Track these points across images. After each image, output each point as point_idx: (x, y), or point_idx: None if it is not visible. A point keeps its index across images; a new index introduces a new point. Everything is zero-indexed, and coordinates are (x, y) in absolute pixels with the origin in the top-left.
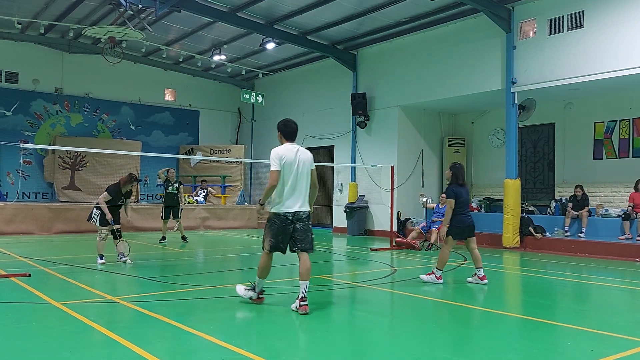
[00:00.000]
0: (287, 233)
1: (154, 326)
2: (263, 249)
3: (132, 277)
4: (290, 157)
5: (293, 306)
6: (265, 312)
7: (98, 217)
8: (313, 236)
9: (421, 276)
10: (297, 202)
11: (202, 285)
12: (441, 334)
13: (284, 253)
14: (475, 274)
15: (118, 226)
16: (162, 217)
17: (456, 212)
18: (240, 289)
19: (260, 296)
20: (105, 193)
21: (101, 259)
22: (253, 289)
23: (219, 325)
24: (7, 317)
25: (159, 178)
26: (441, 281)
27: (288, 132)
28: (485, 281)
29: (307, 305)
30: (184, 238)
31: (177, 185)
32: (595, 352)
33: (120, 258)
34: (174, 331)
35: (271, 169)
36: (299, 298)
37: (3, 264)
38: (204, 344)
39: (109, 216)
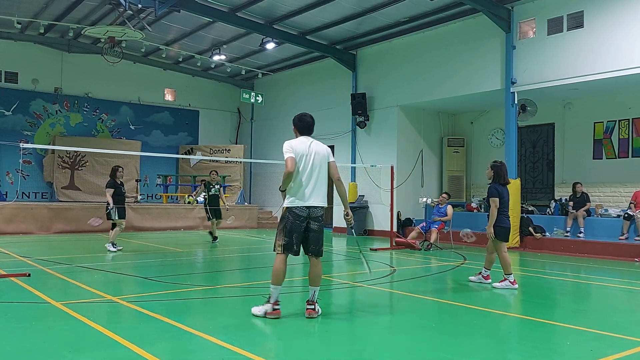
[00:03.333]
0: (301, 232)
1: (154, 326)
2: (274, 250)
3: (132, 277)
4: (302, 149)
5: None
6: None
7: (116, 212)
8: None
9: (494, 284)
10: (310, 196)
11: (202, 285)
12: (441, 334)
13: (297, 254)
14: (480, 273)
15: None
16: (208, 218)
17: (498, 211)
18: (255, 309)
19: (276, 307)
20: (108, 189)
21: (116, 246)
22: (268, 302)
23: (219, 325)
24: (7, 317)
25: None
26: (516, 286)
27: (302, 126)
28: (489, 281)
29: (312, 309)
30: (215, 238)
31: (218, 187)
32: (594, 352)
33: (110, 246)
34: (174, 331)
35: (285, 157)
36: (307, 301)
37: (3, 263)
38: (204, 344)
39: (111, 205)
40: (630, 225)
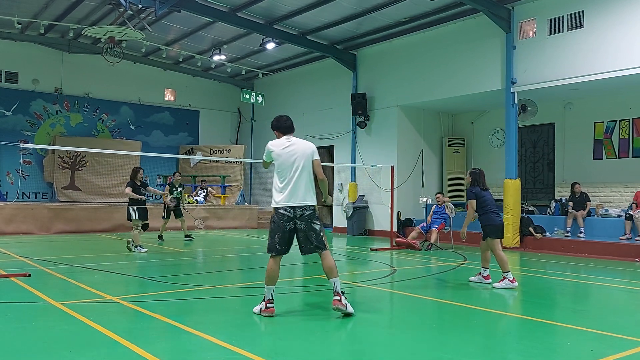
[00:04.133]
0: (285, 231)
1: (154, 326)
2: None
3: (132, 277)
4: (281, 149)
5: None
6: None
7: (137, 212)
8: (322, 233)
9: (494, 284)
10: (294, 196)
11: (202, 285)
12: (441, 334)
13: (281, 254)
14: (480, 273)
15: (147, 222)
16: (163, 216)
17: (484, 211)
18: (255, 308)
19: (269, 305)
20: (127, 187)
21: (142, 247)
22: (263, 300)
23: (219, 325)
24: (7, 317)
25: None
26: (515, 284)
27: (281, 126)
28: (489, 281)
29: (338, 300)
30: (188, 237)
31: (181, 189)
32: (594, 352)
33: (139, 249)
34: (174, 331)
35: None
36: (333, 293)
37: (3, 263)
38: (204, 344)
39: (142, 197)
40: (632, 225)
